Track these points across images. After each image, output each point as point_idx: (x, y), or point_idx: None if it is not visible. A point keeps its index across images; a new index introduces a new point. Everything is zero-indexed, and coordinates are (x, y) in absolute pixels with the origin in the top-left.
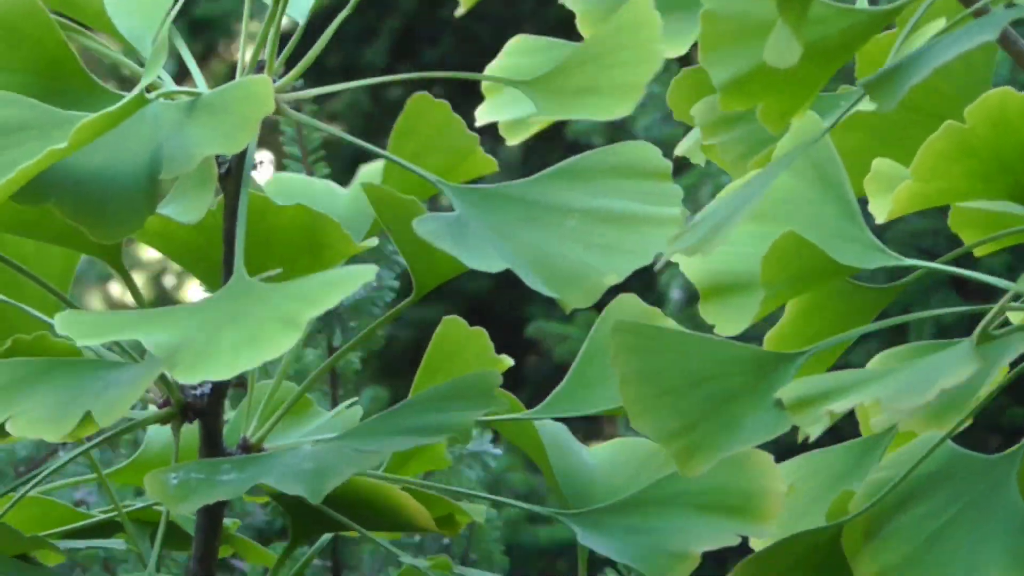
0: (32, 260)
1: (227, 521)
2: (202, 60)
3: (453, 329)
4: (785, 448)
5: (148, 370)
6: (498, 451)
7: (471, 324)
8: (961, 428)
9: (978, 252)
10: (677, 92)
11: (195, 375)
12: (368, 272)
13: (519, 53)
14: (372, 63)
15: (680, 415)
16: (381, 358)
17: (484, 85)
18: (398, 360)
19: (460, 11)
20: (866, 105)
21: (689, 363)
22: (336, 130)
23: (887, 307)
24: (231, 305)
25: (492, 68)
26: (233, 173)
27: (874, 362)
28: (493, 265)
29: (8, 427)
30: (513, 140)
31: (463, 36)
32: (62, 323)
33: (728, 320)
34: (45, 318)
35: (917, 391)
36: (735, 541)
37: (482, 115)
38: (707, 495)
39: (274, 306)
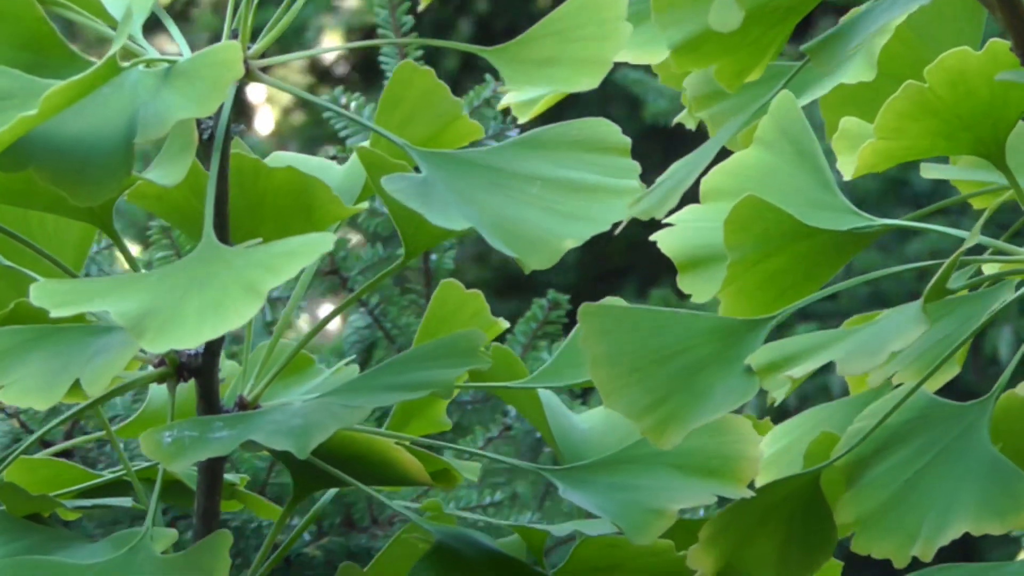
0: (51, 233)
1: (235, 477)
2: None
3: (450, 292)
4: None
5: (133, 342)
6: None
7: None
8: (949, 377)
9: (976, 204)
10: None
11: (161, 344)
12: (327, 241)
13: None
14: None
15: (650, 391)
16: None
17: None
18: None
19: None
20: (851, 77)
21: (657, 339)
22: (307, 94)
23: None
24: (199, 271)
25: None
26: (214, 137)
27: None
28: (458, 224)
29: (0, 395)
30: (524, 118)
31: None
32: (36, 294)
33: (703, 290)
34: None
35: (869, 353)
36: (711, 500)
37: (505, 100)
38: (686, 457)
39: (237, 272)
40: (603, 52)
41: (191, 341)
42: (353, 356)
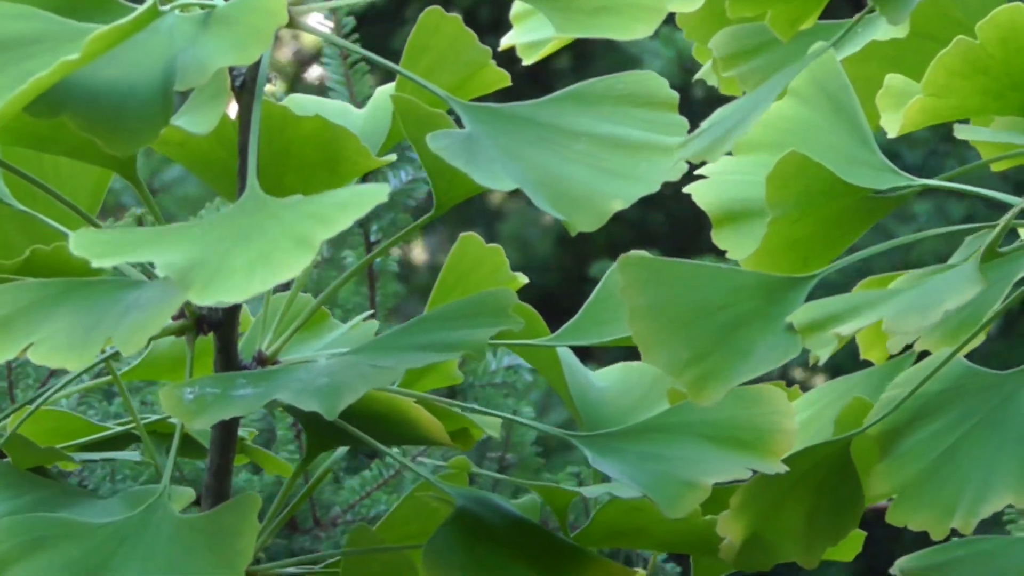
0: (65, 177)
1: (243, 432)
2: None
3: (470, 246)
4: None
5: (170, 293)
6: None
7: None
8: (976, 345)
9: (995, 167)
10: (691, 17)
11: (208, 297)
12: (381, 192)
13: None
14: None
15: (691, 345)
16: None
17: (512, 13)
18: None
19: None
20: (883, 34)
21: (698, 293)
22: (347, 43)
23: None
24: (244, 222)
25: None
26: (247, 86)
27: (896, 283)
28: (503, 184)
29: (30, 355)
30: (529, 60)
31: None
32: (77, 242)
33: (740, 246)
34: (67, 231)
35: (922, 312)
36: (745, 474)
37: (506, 40)
38: (719, 427)
39: (288, 225)
40: None
41: (240, 294)
42: (371, 311)
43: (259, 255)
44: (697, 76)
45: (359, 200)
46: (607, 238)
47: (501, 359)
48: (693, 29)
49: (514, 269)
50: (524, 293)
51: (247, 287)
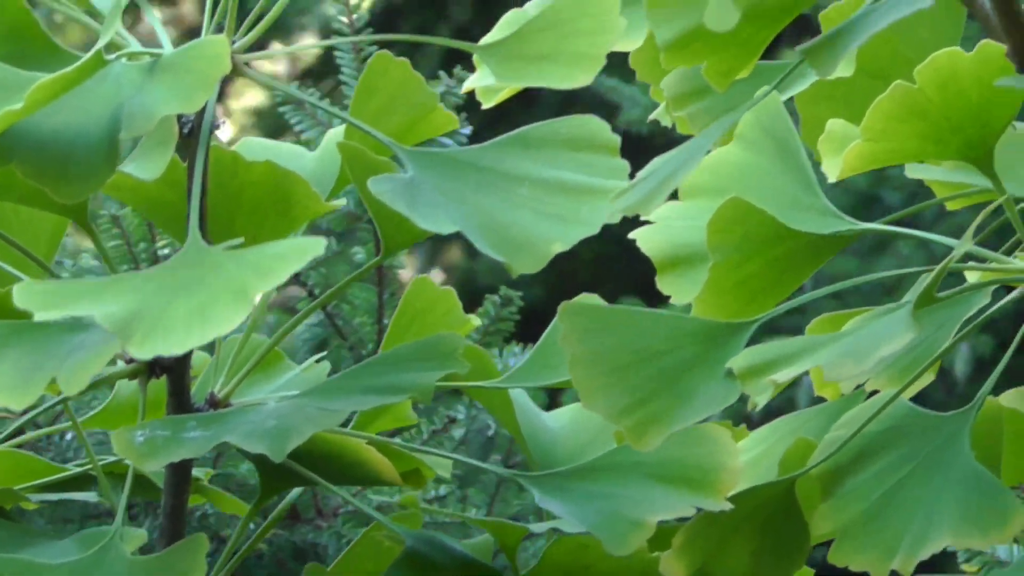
0: (25, 222)
1: (199, 471)
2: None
3: (423, 289)
4: None
5: (112, 337)
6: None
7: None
8: (923, 385)
9: (950, 206)
10: (642, 58)
11: (147, 350)
12: (318, 245)
13: (510, 25)
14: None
15: (631, 391)
16: None
17: (475, 56)
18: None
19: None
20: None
21: (638, 339)
22: (294, 89)
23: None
24: (185, 274)
25: (483, 40)
26: (194, 132)
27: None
28: (445, 227)
29: None
30: (488, 103)
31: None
32: (20, 295)
33: (683, 291)
34: (22, 276)
35: (857, 359)
36: (691, 512)
37: (468, 83)
38: (665, 467)
39: (226, 277)
40: (598, 47)
41: (179, 347)
42: (323, 354)
43: (197, 308)
44: (651, 116)
45: (297, 252)
46: (592, 252)
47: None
48: (647, 71)
49: (496, 284)
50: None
51: (185, 340)
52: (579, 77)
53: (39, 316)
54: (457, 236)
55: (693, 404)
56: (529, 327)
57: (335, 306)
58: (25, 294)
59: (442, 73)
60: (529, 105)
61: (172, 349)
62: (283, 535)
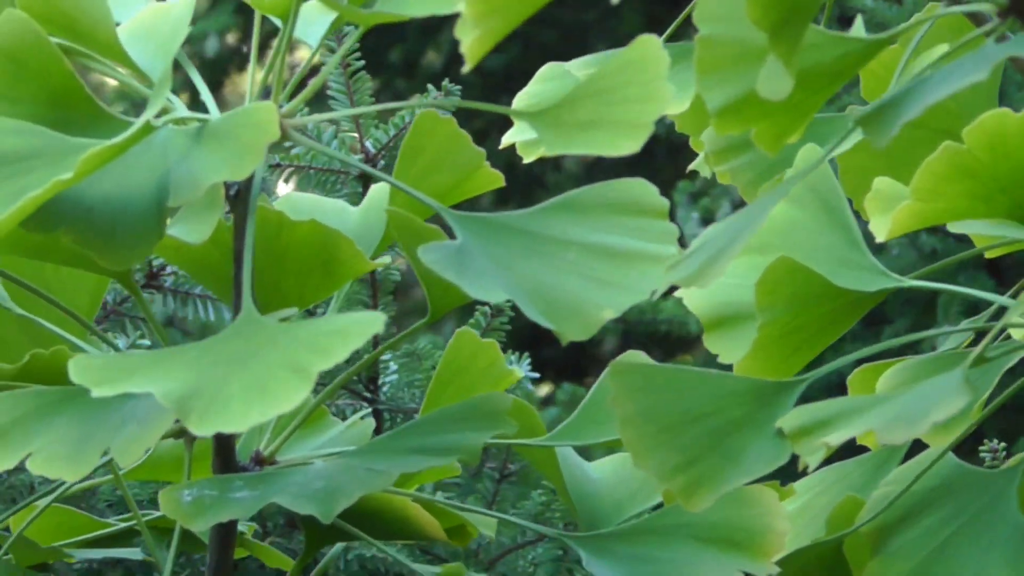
0: (66, 280)
1: (243, 526)
2: (216, 89)
3: (465, 341)
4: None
5: (166, 410)
6: None
7: None
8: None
9: (989, 255)
10: (689, 115)
11: (207, 428)
12: (378, 321)
13: (547, 79)
14: (431, 65)
15: (681, 451)
16: None
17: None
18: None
19: (467, 68)
20: None
21: (687, 399)
22: (341, 154)
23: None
24: (240, 346)
25: (521, 94)
26: (241, 195)
27: (885, 378)
28: (495, 296)
29: (28, 465)
30: (529, 158)
31: (529, 43)
32: (75, 370)
33: (731, 350)
34: (66, 335)
35: (909, 423)
36: (737, 575)
37: (507, 138)
38: (711, 529)
39: (284, 352)
40: (645, 114)
41: (239, 424)
42: (368, 410)
43: (255, 383)
44: (690, 167)
45: (356, 328)
46: None
47: None
48: (685, 122)
49: None
50: (532, 329)
51: (246, 417)
52: (626, 145)
53: (96, 393)
54: None
55: (743, 464)
56: (521, 336)
57: None
58: (81, 369)
59: (430, 87)
60: None
61: (231, 427)
62: (281, 543)
